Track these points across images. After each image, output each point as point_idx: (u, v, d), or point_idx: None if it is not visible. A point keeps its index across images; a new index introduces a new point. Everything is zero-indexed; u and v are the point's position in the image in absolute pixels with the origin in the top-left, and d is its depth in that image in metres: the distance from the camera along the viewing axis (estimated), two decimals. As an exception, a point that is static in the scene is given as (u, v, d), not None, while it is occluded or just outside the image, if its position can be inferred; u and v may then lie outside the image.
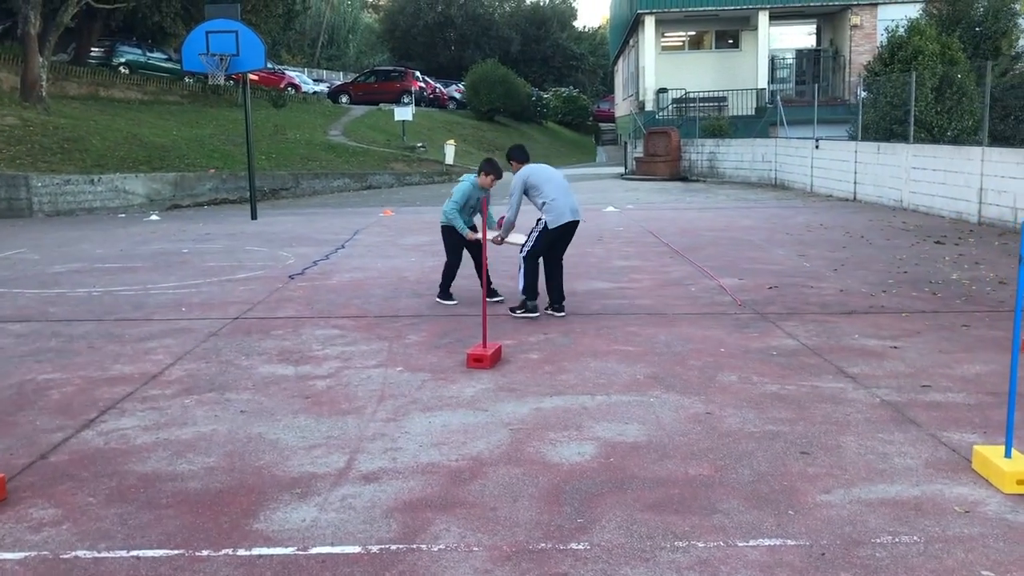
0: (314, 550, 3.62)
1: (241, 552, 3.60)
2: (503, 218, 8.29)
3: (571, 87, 56.69)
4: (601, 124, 55.15)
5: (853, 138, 20.88)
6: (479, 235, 8.03)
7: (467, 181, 8.70)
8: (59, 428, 5.19)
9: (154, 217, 18.93)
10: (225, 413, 5.43)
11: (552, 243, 8.14)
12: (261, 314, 8.40)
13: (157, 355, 6.89)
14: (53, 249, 13.47)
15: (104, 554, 3.61)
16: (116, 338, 7.49)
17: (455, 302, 8.70)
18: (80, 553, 3.62)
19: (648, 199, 21.77)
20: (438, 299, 8.80)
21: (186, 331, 7.70)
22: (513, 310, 8.14)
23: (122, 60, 32.91)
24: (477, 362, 6.34)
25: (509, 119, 45.90)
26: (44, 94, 24.80)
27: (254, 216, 17.91)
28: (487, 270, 7.96)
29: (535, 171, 8.22)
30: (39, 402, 5.73)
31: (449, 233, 8.72)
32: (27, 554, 3.63)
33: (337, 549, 3.62)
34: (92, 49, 32.17)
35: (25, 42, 24.40)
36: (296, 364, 6.56)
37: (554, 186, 8.10)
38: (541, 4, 64.18)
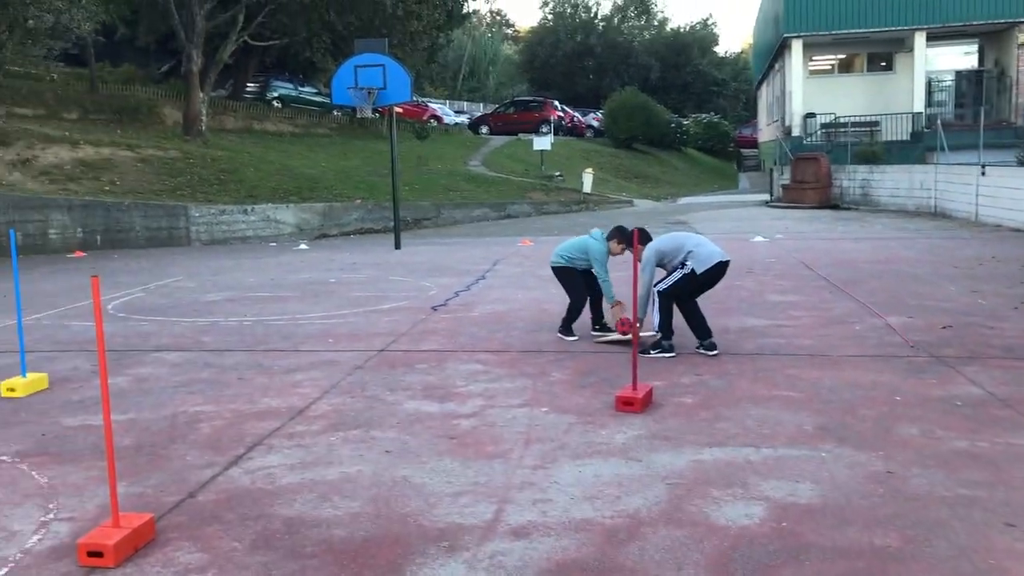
0: (463, 615, 3.37)
1: (387, 613, 3.39)
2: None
3: (712, 113, 55.60)
4: (743, 150, 53.80)
5: (1023, 163, 19.41)
6: (628, 335, 7.70)
7: (600, 242, 8.31)
8: (208, 464, 5.17)
9: (303, 246, 19.48)
10: (370, 453, 5.29)
11: (699, 287, 7.73)
12: (405, 346, 8.32)
13: (304, 388, 6.87)
14: (208, 277, 13.97)
15: (248, 607, 3.47)
16: (265, 369, 7.54)
17: (576, 337, 8.43)
18: (224, 604, 3.50)
19: (798, 228, 20.85)
20: (559, 334, 8.53)
21: (332, 363, 7.69)
22: (646, 350, 7.67)
23: (275, 94, 34.42)
24: (627, 405, 6.00)
25: (648, 146, 45.37)
26: (204, 128, 26.16)
27: (397, 245, 18.15)
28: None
29: (666, 238, 7.91)
30: (190, 435, 5.76)
31: (567, 274, 8.48)
32: (173, 602, 3.53)
33: (487, 615, 3.36)
34: (248, 84, 33.80)
35: (188, 79, 25.84)
36: (440, 401, 6.39)
37: (693, 240, 7.73)
38: (681, 31, 63.48)
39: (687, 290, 7.72)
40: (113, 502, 4.05)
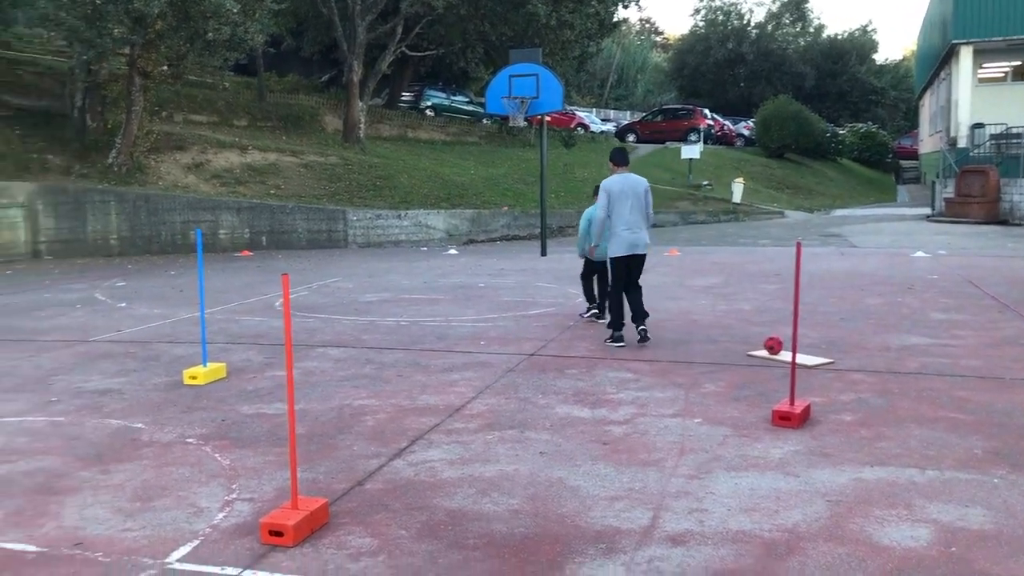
0: (622, 615, 3.44)
1: (548, 607, 3.49)
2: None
3: (869, 122, 53.41)
4: (902, 161, 51.40)
5: None
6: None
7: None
8: (374, 455, 5.44)
9: (452, 251, 19.99)
10: (526, 453, 5.43)
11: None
12: (555, 352, 8.45)
13: (460, 388, 7.10)
14: (365, 279, 14.56)
15: (417, 592, 3.65)
16: (422, 368, 7.83)
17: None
18: (395, 587, 3.70)
19: (962, 244, 19.81)
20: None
21: (485, 365, 7.91)
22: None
23: (429, 103, 35.43)
24: (784, 420, 5.91)
25: (801, 156, 44.06)
26: (362, 135, 27.25)
27: (544, 252, 18.37)
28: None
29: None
30: (356, 427, 6.07)
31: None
32: (348, 582, 3.76)
33: (647, 617, 3.42)
34: (403, 93, 34.94)
35: (348, 88, 26.99)
36: (592, 407, 6.48)
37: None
38: (838, 37, 61.27)
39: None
40: (293, 486, 4.33)
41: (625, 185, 8.62)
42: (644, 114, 48.37)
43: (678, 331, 9.45)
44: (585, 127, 41.25)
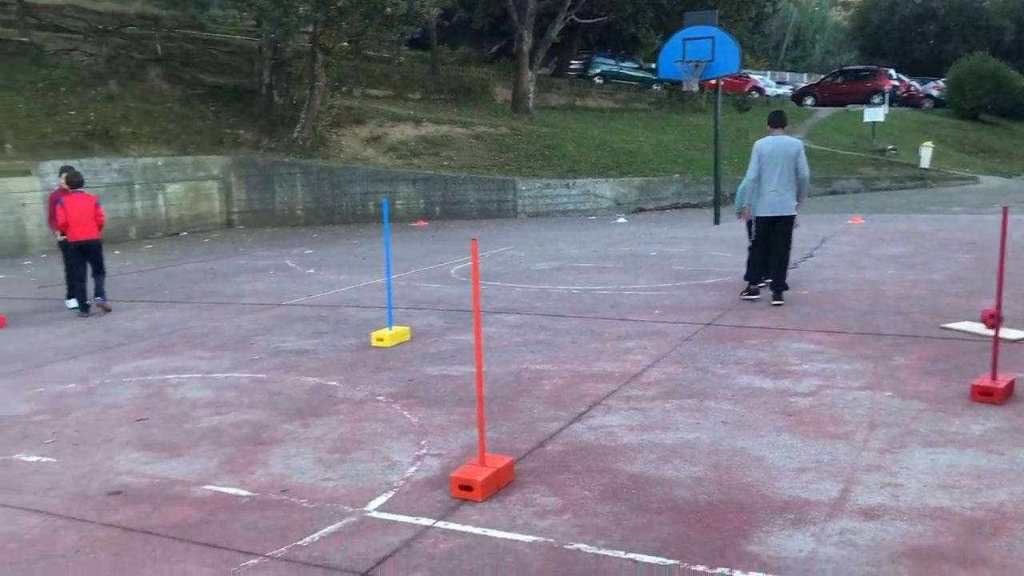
0: (814, 586, 3.37)
1: (737, 574, 3.47)
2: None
3: (1078, 79, 48.75)
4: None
5: None
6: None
7: None
8: (553, 418, 5.54)
9: (621, 220, 19.89)
10: (706, 421, 5.38)
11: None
12: (732, 322, 8.29)
13: (635, 356, 7.10)
14: (535, 247, 14.73)
15: (604, 551, 3.71)
16: (596, 336, 7.88)
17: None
18: (581, 546, 3.77)
19: None
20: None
21: (660, 334, 7.86)
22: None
23: (597, 71, 35.23)
24: (985, 395, 5.57)
25: (997, 117, 40.83)
26: (531, 105, 27.44)
27: (717, 220, 17.96)
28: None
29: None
30: (534, 391, 6.19)
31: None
32: (535, 539, 3.86)
33: (841, 590, 3.34)
34: (572, 62, 34.88)
35: (518, 59, 27.22)
36: (774, 378, 6.32)
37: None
38: (1045, -15, 56.11)
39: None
40: (481, 444, 4.49)
41: (776, 147, 8.97)
42: (823, 76, 46.15)
43: (864, 302, 9.04)
44: (760, 91, 39.85)
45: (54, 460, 5.17)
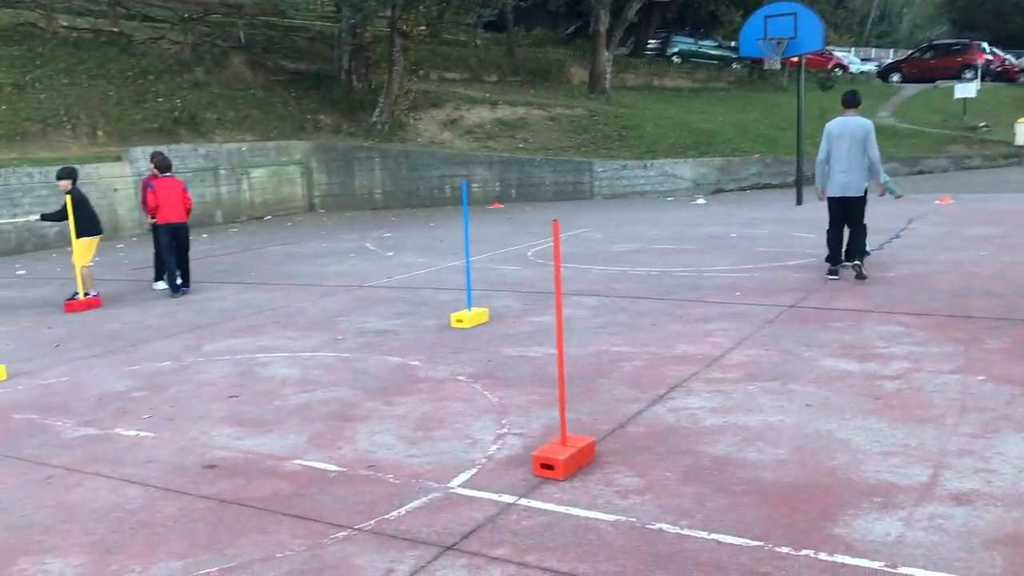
0: (903, 569, 3.32)
1: (823, 556, 3.44)
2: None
3: None
4: None
5: None
6: None
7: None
8: (633, 400, 5.55)
9: (700, 201, 19.64)
10: (790, 404, 5.32)
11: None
12: (816, 304, 8.14)
13: (716, 337, 7.04)
14: (613, 229, 14.67)
15: (686, 532, 3.72)
16: (676, 317, 7.83)
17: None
18: (664, 526, 3.78)
19: None
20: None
21: (742, 316, 7.77)
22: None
23: (675, 50, 34.73)
24: (1085, 380, 5.37)
25: (1099, 91, 38.91)
26: (607, 86, 27.25)
27: (799, 201, 17.59)
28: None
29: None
30: (614, 372, 6.20)
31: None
32: (617, 518, 3.89)
33: (932, 574, 3.28)
34: (649, 41, 34.47)
35: (594, 39, 27.02)
36: (860, 361, 6.20)
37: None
38: None
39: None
40: (562, 424, 4.52)
41: (845, 128, 8.97)
42: (911, 51, 44.63)
43: (954, 284, 8.78)
44: (844, 68, 38.72)
45: (152, 434, 5.40)
